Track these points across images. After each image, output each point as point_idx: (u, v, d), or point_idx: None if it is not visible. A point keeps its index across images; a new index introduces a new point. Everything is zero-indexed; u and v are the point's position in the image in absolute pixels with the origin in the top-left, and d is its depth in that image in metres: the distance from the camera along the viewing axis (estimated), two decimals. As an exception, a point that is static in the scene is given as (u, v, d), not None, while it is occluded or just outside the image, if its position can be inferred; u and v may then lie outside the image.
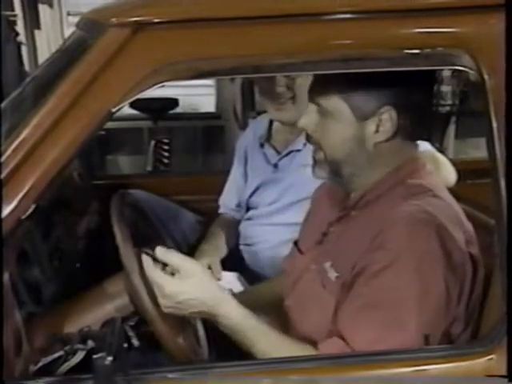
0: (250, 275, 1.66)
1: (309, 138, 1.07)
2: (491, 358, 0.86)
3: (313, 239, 1.15)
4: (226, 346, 1.03)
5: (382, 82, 0.97)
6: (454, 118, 4.02)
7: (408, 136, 1.03)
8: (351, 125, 0.99)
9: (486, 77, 0.85)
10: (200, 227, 1.88)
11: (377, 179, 1.03)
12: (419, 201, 0.97)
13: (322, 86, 1.00)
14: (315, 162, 1.07)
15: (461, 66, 0.88)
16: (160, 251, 0.99)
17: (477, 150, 3.67)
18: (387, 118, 0.98)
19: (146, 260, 0.99)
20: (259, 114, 1.85)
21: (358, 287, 0.95)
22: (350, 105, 0.98)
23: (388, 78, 0.95)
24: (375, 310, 0.93)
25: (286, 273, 1.25)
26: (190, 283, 0.97)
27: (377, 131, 0.99)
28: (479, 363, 0.86)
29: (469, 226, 1.03)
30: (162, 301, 0.98)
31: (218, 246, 1.68)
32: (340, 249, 1.04)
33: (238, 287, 1.55)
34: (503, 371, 0.84)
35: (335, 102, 0.99)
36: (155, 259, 1.00)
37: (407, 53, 0.87)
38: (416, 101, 1.00)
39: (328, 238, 1.10)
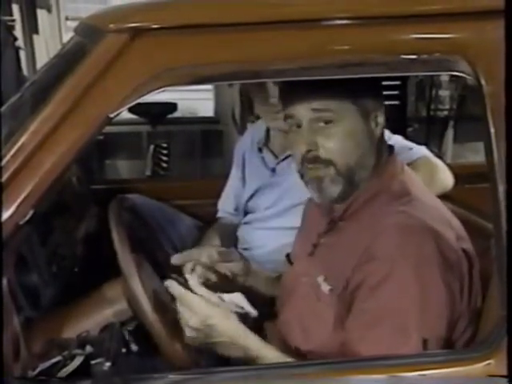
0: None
1: (315, 160, 1.00)
2: (489, 363, 0.86)
3: (304, 251, 1.15)
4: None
5: (379, 79, 1.07)
6: (452, 122, 4.03)
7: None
8: (359, 124, 1.01)
9: (483, 82, 0.85)
10: (198, 232, 1.87)
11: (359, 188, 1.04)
12: (404, 206, 0.98)
13: (327, 92, 0.98)
14: (323, 183, 1.01)
15: (458, 71, 0.88)
16: (193, 280, 1.03)
17: (475, 154, 3.67)
18: (381, 112, 1.04)
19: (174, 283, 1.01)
20: (258, 118, 1.85)
21: (359, 303, 0.95)
22: (357, 105, 1.00)
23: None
24: (381, 324, 0.93)
25: (280, 286, 1.26)
26: (220, 311, 1.00)
27: (376, 126, 1.03)
28: (478, 368, 0.86)
29: (455, 220, 1.03)
30: (193, 319, 0.98)
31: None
32: (332, 261, 1.04)
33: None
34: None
35: (343, 105, 0.99)
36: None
37: (405, 58, 0.87)
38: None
39: (319, 249, 1.11)
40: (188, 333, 1.00)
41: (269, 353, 0.98)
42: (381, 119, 1.04)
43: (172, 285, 1.01)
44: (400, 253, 0.92)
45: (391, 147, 1.10)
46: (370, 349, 0.92)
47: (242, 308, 1.27)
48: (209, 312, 0.99)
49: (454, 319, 0.96)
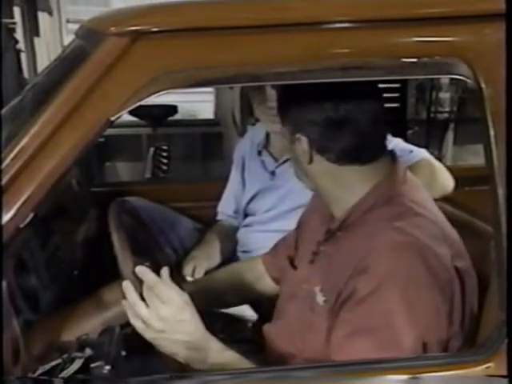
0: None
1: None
2: (489, 366, 0.86)
3: (306, 257, 1.15)
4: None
5: (296, 112, 1.03)
6: (452, 125, 4.04)
7: (367, 158, 1.02)
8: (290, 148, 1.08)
9: (483, 85, 0.85)
10: (198, 234, 1.88)
11: (356, 201, 1.03)
12: (401, 222, 0.96)
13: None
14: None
15: (458, 74, 0.88)
16: (165, 273, 0.95)
17: (475, 157, 3.68)
18: (299, 144, 1.03)
19: (129, 288, 0.95)
20: (258, 120, 1.85)
21: (344, 313, 0.95)
22: (287, 126, 1.08)
23: (301, 109, 1.02)
24: (362, 335, 0.92)
25: (281, 288, 1.26)
26: (191, 309, 0.95)
27: (303, 153, 1.04)
28: (477, 371, 0.87)
29: (454, 237, 1.02)
30: (165, 310, 0.92)
31: (209, 254, 1.68)
32: (328, 273, 1.04)
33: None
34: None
35: (288, 127, 1.08)
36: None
37: (405, 61, 0.87)
38: (349, 127, 0.99)
39: (318, 257, 1.10)
40: (154, 323, 0.92)
41: (229, 356, 0.96)
42: (303, 149, 1.03)
43: (143, 271, 0.94)
44: (389, 270, 0.92)
45: (393, 154, 1.08)
46: (344, 358, 0.92)
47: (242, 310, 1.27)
48: (182, 306, 0.93)
49: (440, 340, 0.94)
